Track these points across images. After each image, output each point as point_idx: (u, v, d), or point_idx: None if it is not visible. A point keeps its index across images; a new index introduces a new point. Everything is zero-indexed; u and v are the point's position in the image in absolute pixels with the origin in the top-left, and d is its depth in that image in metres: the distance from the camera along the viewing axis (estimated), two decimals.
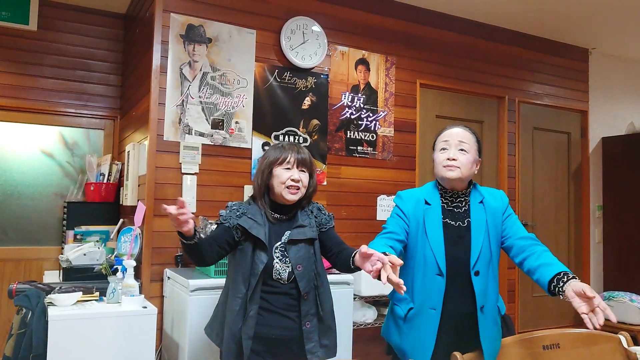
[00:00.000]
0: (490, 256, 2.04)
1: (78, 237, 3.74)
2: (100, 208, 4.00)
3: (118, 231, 3.71)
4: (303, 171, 2.25)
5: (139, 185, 3.57)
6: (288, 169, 2.21)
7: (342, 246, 2.26)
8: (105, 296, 2.74)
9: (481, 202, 2.10)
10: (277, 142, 3.68)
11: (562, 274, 1.79)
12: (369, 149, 4.06)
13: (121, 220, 3.85)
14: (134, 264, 2.70)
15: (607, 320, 5.07)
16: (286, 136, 3.75)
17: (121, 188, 4.00)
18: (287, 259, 2.18)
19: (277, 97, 3.73)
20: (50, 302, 2.61)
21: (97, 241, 3.68)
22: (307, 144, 3.80)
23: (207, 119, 3.48)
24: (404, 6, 4.28)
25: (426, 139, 4.26)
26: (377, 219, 4.03)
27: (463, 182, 2.10)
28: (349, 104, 4.00)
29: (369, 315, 3.60)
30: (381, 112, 4.12)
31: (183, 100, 3.41)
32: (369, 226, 3.97)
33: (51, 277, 3.61)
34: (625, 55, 5.59)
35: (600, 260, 5.37)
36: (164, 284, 3.29)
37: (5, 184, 4.18)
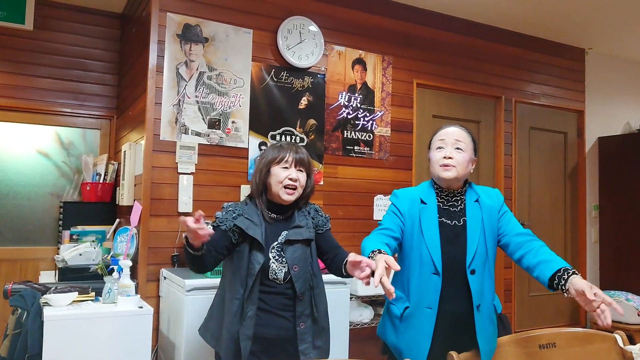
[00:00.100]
0: (486, 255, 2.04)
1: (74, 237, 3.73)
2: (96, 208, 3.99)
3: (114, 231, 3.70)
4: (301, 171, 2.25)
5: (135, 185, 3.57)
6: (286, 168, 2.21)
7: (337, 250, 2.27)
8: (101, 296, 2.73)
9: (477, 200, 2.11)
10: (274, 141, 3.68)
11: (562, 270, 1.81)
12: (365, 148, 4.06)
13: (117, 220, 3.84)
14: (130, 264, 2.69)
15: None
16: (283, 136, 3.74)
17: (117, 188, 3.99)
18: (283, 259, 2.18)
19: (273, 97, 3.73)
20: (46, 303, 2.60)
21: (93, 241, 3.67)
22: (304, 143, 3.80)
23: (203, 119, 3.47)
24: (400, 6, 4.28)
25: (423, 139, 4.26)
26: (374, 218, 4.03)
27: (459, 181, 2.10)
28: (346, 103, 4.00)
29: (366, 315, 3.60)
30: (378, 112, 4.12)
31: (179, 100, 3.41)
32: (365, 226, 3.97)
33: (47, 277, 3.60)
34: (622, 55, 5.60)
35: (596, 259, 5.38)
36: (160, 284, 3.29)
37: (1, 184, 4.16)
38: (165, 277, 3.21)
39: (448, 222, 2.07)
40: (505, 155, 4.79)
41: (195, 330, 2.46)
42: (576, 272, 1.80)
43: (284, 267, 2.17)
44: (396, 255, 2.10)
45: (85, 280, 3.04)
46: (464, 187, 2.14)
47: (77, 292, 2.70)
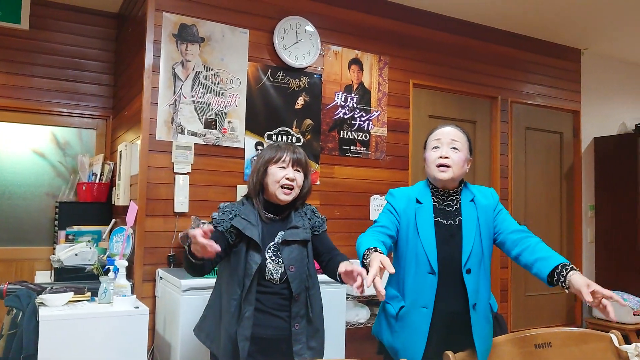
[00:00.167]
0: (482, 254, 2.05)
1: (70, 237, 3.72)
2: (92, 208, 3.98)
3: (110, 231, 3.70)
4: (298, 171, 2.25)
5: (131, 185, 3.56)
6: (283, 167, 2.22)
7: (332, 252, 2.28)
8: (97, 296, 2.72)
9: (472, 200, 2.11)
10: (270, 142, 3.68)
11: (560, 266, 1.83)
12: (362, 148, 4.06)
13: (113, 220, 3.83)
14: (126, 264, 2.69)
15: (599, 319, 5.08)
16: (279, 136, 3.74)
17: (113, 188, 3.98)
18: (279, 260, 2.18)
19: (270, 97, 3.73)
20: (41, 303, 2.60)
21: (89, 241, 3.66)
22: (300, 143, 3.79)
23: (199, 119, 3.47)
24: (397, 6, 4.28)
25: (419, 139, 4.26)
26: (370, 218, 4.03)
27: (455, 181, 2.11)
28: (342, 103, 4.00)
29: (362, 315, 3.60)
30: (374, 112, 4.13)
31: (175, 100, 3.40)
32: (362, 226, 3.97)
33: (43, 277, 3.59)
34: (617, 55, 5.61)
35: (592, 259, 5.40)
36: (156, 284, 3.28)
37: None
38: (161, 277, 3.21)
39: (444, 221, 2.07)
40: (501, 155, 4.80)
41: (191, 330, 2.46)
42: (574, 267, 1.82)
43: (280, 267, 2.17)
44: (391, 253, 2.10)
45: (81, 280, 3.03)
46: (459, 187, 2.15)
47: (72, 292, 2.70)
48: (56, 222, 3.97)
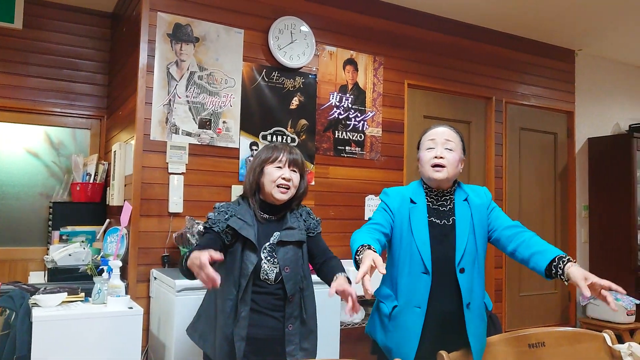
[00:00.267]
0: (476, 253, 2.05)
1: (64, 237, 3.71)
2: (86, 208, 3.97)
3: (104, 231, 3.68)
4: (294, 171, 2.25)
5: (125, 185, 3.55)
6: (279, 167, 2.22)
7: (326, 255, 2.29)
8: (90, 297, 2.71)
9: (465, 199, 2.12)
10: (265, 142, 3.67)
11: (556, 259, 1.85)
12: (357, 149, 4.06)
13: (107, 220, 3.82)
14: (120, 264, 2.68)
15: (592, 318, 5.08)
16: (274, 136, 3.74)
17: (107, 188, 3.97)
18: (275, 260, 2.18)
19: (264, 97, 3.72)
20: (35, 303, 2.59)
21: (83, 241, 3.65)
22: (295, 143, 3.79)
23: (194, 119, 3.46)
24: (392, 7, 4.29)
25: (414, 140, 4.24)
26: (365, 219, 4.03)
27: (449, 181, 2.12)
28: (337, 104, 4.01)
29: (356, 315, 3.60)
30: (369, 112, 4.13)
31: (170, 100, 3.40)
32: (357, 226, 3.89)
33: (36, 277, 3.58)
34: (611, 56, 5.64)
35: (586, 259, 5.42)
36: (151, 284, 3.27)
37: None
38: (155, 278, 3.20)
39: (437, 221, 2.08)
40: (495, 155, 4.81)
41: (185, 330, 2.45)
42: (570, 258, 1.84)
43: (276, 267, 2.17)
44: (385, 252, 2.11)
45: (74, 280, 3.03)
46: (453, 187, 2.16)
47: (66, 293, 2.68)
48: (50, 223, 3.96)
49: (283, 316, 2.18)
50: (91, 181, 4.01)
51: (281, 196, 2.21)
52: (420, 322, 1.99)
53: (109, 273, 2.69)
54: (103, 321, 2.55)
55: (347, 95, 4.05)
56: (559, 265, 1.82)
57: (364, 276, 1.60)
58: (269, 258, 2.18)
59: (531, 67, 5.08)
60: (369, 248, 1.76)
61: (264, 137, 3.70)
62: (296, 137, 3.82)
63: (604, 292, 1.69)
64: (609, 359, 1.97)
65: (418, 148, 2.20)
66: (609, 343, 1.98)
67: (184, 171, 3.43)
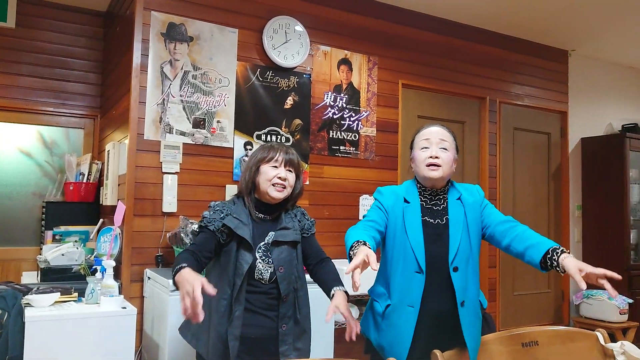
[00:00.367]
0: (470, 251, 2.06)
1: (57, 237, 3.69)
2: (79, 208, 3.95)
3: (98, 231, 3.67)
4: (290, 171, 2.25)
5: (119, 185, 3.54)
6: (275, 167, 2.22)
7: (320, 256, 2.31)
8: (84, 297, 2.70)
9: (459, 198, 2.13)
10: (260, 141, 3.67)
11: (550, 251, 1.86)
12: (351, 148, 4.06)
13: (101, 220, 3.81)
14: (114, 264, 2.68)
15: (586, 317, 5.10)
16: (268, 136, 3.74)
17: (101, 188, 3.96)
18: (269, 260, 2.18)
19: (259, 97, 3.72)
20: (28, 303, 2.57)
21: (76, 241, 3.64)
22: (290, 143, 3.79)
23: (188, 118, 3.46)
24: (386, 7, 4.29)
25: (408, 139, 4.22)
26: (360, 218, 4.03)
27: (444, 180, 2.12)
28: (332, 103, 4.01)
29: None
30: (363, 112, 4.13)
31: (164, 99, 3.39)
32: (351, 226, 3.97)
33: (29, 278, 3.55)
34: (604, 57, 5.67)
35: (580, 258, 5.39)
36: (144, 284, 3.26)
37: None
38: (149, 278, 3.19)
39: (431, 220, 2.08)
40: (489, 155, 4.83)
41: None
42: (564, 249, 1.85)
43: (270, 267, 2.17)
44: (379, 249, 2.11)
45: (68, 280, 3.01)
46: (446, 186, 2.16)
47: (59, 293, 2.67)
48: (43, 222, 3.94)
49: (277, 316, 2.17)
50: (84, 181, 3.99)
51: (277, 194, 2.20)
52: (413, 321, 1.99)
53: (103, 273, 2.68)
54: (96, 321, 2.54)
55: (342, 95, 4.05)
56: (554, 257, 1.84)
57: (354, 269, 1.60)
58: (263, 258, 2.17)
59: (525, 67, 5.10)
60: (364, 244, 1.76)
61: (258, 137, 3.69)
62: (290, 137, 3.82)
63: (600, 280, 1.70)
64: (602, 357, 1.97)
65: (411, 147, 2.20)
66: (602, 342, 1.99)
67: (178, 171, 3.42)
